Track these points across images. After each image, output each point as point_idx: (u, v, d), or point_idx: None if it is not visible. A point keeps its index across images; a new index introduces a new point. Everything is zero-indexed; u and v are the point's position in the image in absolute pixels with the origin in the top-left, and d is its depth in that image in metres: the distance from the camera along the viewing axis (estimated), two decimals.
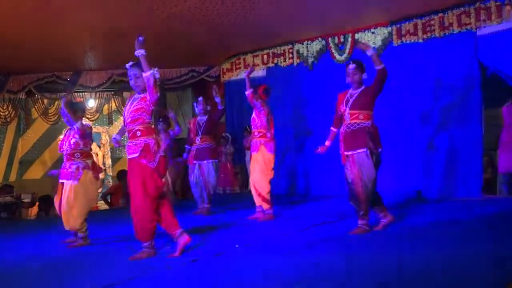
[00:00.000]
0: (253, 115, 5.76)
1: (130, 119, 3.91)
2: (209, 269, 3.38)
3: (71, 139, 4.77)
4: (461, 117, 6.25)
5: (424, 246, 3.64)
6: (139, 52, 3.73)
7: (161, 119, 7.23)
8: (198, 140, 6.53)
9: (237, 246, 4.01)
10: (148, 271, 3.41)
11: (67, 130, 4.96)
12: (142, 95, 3.91)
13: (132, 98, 4.04)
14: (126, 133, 4.09)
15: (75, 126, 4.76)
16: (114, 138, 4.25)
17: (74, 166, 4.68)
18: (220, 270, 3.31)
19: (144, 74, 3.76)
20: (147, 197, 3.80)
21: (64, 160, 4.79)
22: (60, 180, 4.76)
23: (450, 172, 6.30)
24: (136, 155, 3.83)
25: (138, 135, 3.86)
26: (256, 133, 5.70)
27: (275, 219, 5.54)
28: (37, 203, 9.01)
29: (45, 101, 9.70)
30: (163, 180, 4.12)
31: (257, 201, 5.66)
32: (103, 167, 11.52)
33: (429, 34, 6.52)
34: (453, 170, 6.28)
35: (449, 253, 3.33)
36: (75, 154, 4.71)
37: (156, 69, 3.83)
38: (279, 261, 3.45)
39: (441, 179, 6.35)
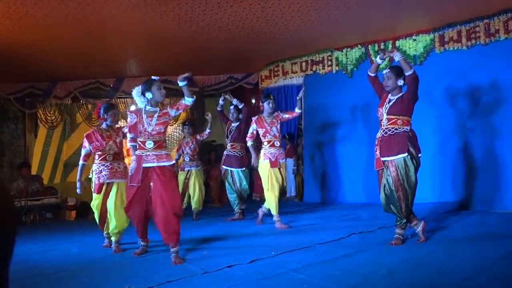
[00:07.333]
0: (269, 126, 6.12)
1: (156, 131, 4.16)
2: (244, 275, 3.38)
3: (116, 138, 4.87)
4: (508, 128, 6.02)
5: (470, 258, 3.52)
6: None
7: (187, 123, 7.33)
8: (228, 145, 6.60)
9: (273, 253, 4.00)
10: (184, 275, 3.45)
11: (109, 132, 4.94)
12: (164, 111, 4.24)
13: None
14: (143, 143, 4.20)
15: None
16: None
17: (122, 166, 4.84)
18: (255, 277, 3.31)
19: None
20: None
21: (109, 160, 4.80)
22: (107, 181, 4.74)
23: (493, 183, 6.07)
24: (171, 163, 4.20)
25: (164, 146, 4.27)
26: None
27: (311, 228, 5.52)
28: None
29: (89, 106, 10.03)
30: None
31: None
32: None
33: (473, 41, 6.34)
34: (497, 181, 6.05)
35: (497, 268, 3.22)
36: (121, 154, 4.89)
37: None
38: (315, 270, 3.41)
39: (484, 190, 6.13)
